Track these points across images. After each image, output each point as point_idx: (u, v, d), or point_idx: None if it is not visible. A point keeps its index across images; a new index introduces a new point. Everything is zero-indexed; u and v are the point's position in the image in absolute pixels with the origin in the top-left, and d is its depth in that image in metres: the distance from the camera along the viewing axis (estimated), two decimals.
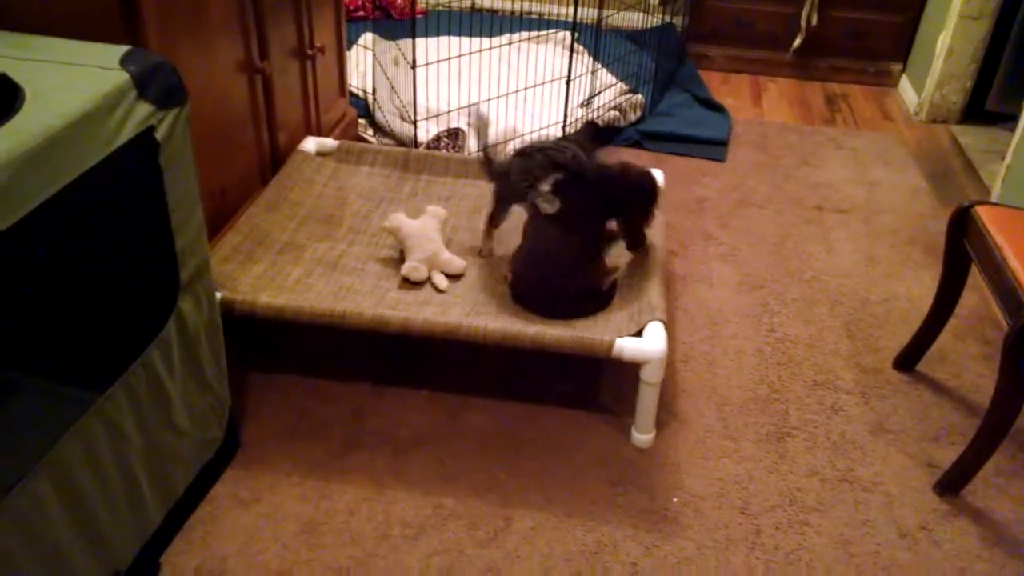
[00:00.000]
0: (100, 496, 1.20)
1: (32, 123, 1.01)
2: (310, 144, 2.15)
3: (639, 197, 1.73)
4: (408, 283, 1.79)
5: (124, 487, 1.25)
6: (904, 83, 3.35)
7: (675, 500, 1.54)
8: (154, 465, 1.32)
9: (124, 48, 1.18)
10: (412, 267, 1.78)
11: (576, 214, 1.67)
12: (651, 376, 1.54)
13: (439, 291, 1.76)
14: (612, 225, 1.78)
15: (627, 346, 1.52)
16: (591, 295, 1.71)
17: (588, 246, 1.72)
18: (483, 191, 2.03)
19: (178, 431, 1.37)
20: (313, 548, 1.42)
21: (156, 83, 1.17)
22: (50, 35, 1.23)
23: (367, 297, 1.73)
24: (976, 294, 2.10)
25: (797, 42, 3.35)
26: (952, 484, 1.59)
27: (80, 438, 1.13)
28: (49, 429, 1.11)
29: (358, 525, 1.46)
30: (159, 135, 1.19)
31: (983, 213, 1.61)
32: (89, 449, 1.16)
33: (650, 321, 1.57)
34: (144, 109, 1.15)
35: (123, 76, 1.13)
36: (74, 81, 1.11)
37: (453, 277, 1.82)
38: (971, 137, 3.00)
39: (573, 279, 1.69)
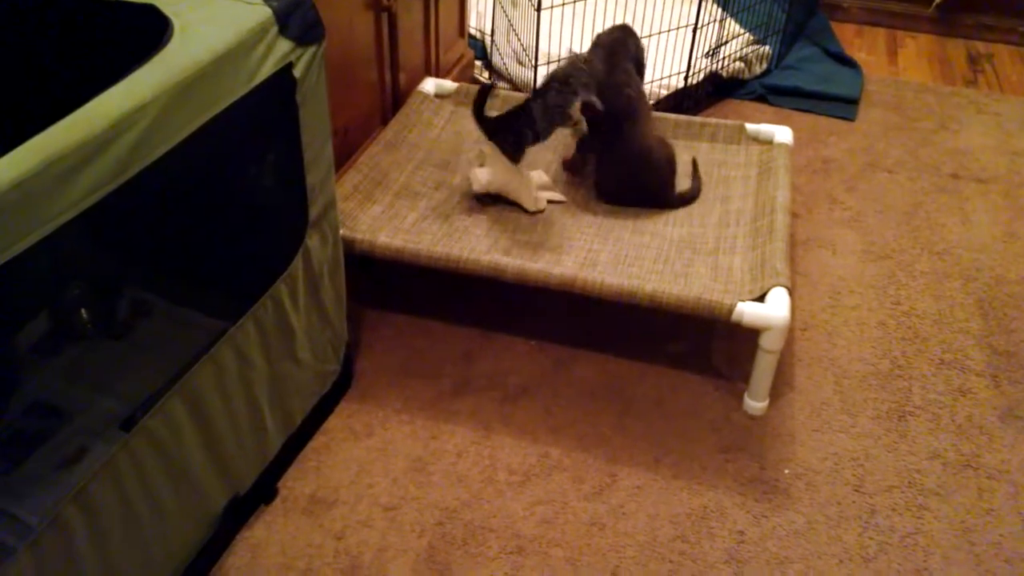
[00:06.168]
0: (227, 421, 1.25)
1: (181, 56, 1.03)
2: (429, 85, 2.14)
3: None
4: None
5: (248, 414, 1.30)
6: None
7: (787, 471, 1.50)
8: (276, 394, 1.36)
9: None
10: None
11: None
12: (771, 343, 1.49)
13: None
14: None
15: (748, 311, 1.48)
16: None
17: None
18: None
19: (299, 363, 1.41)
20: (421, 486, 1.45)
21: (296, 19, 1.17)
22: None
23: (481, 240, 1.73)
24: None
25: None
26: None
27: (212, 364, 1.18)
28: (184, 354, 1.16)
29: (465, 467, 1.49)
30: (297, 72, 1.19)
31: None
32: (220, 375, 1.20)
33: (774, 286, 1.52)
34: (284, 46, 1.16)
35: (266, 11, 1.13)
36: (219, 15, 1.12)
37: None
38: None
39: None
